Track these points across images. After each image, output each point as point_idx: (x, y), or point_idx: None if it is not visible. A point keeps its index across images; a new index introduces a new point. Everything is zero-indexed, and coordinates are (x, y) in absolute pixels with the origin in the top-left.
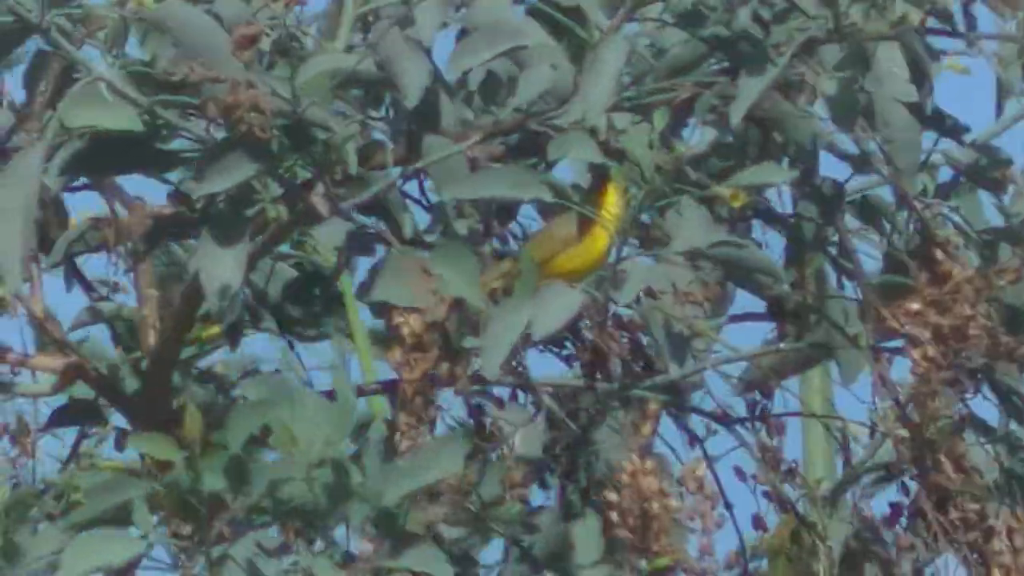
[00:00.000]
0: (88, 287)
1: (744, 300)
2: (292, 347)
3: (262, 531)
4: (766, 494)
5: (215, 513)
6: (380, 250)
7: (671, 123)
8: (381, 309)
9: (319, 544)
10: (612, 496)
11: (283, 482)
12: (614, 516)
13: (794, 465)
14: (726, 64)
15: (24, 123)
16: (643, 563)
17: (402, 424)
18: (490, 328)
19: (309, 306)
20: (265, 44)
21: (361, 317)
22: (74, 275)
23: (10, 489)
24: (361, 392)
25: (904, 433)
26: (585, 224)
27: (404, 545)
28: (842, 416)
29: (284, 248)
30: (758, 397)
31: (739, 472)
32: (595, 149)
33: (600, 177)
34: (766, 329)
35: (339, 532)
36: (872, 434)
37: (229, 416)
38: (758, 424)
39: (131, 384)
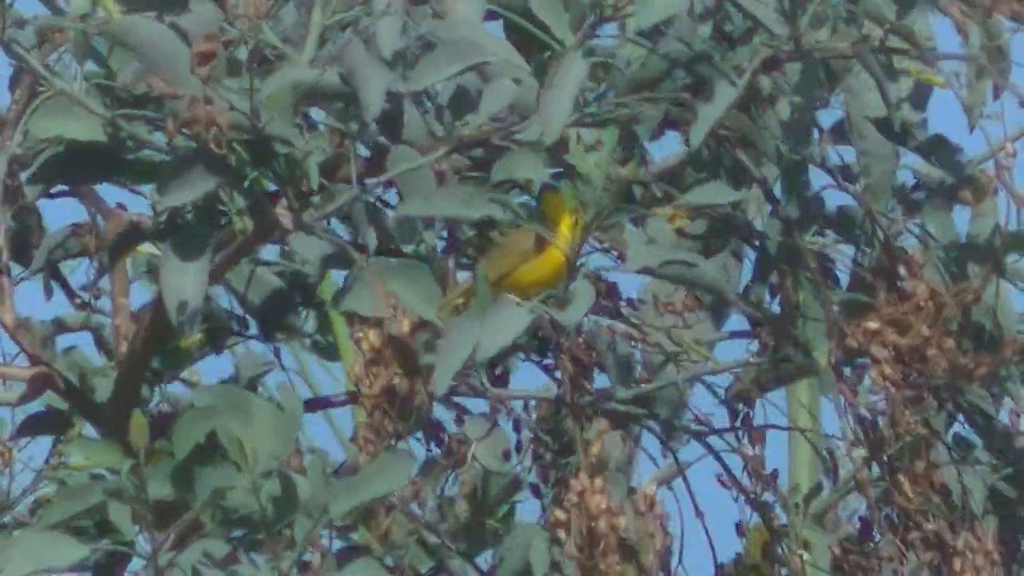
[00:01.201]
0: (71, 294)
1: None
2: (278, 353)
3: (210, 540)
4: (748, 502)
5: (169, 521)
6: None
7: (644, 138)
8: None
9: (264, 556)
10: (560, 514)
11: (228, 491)
12: (561, 535)
13: (773, 474)
14: (688, 80)
15: (3, 126)
16: None
17: (361, 438)
18: (441, 346)
19: (293, 314)
20: (242, 53)
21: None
22: (56, 281)
23: None
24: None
25: (863, 453)
26: (542, 238)
27: (349, 558)
28: (809, 430)
29: (272, 256)
30: (739, 406)
31: (721, 480)
32: (541, 169)
33: (553, 193)
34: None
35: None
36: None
37: (176, 423)
38: (740, 433)
39: (103, 394)
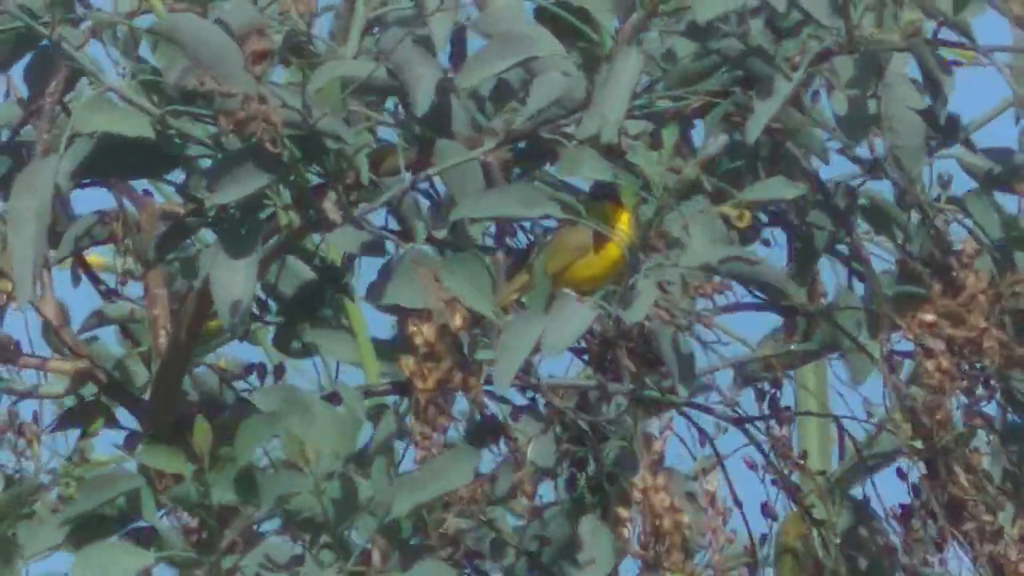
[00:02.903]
0: (96, 280)
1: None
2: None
3: (272, 543)
4: (775, 483)
5: (225, 523)
6: (389, 249)
7: (681, 127)
8: (395, 314)
9: (327, 556)
10: (624, 512)
11: (292, 496)
12: (625, 532)
13: (803, 457)
14: (739, 73)
15: (33, 118)
16: None
17: (416, 434)
18: (503, 341)
19: (322, 304)
20: (276, 40)
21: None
22: (82, 269)
23: (9, 484)
24: (369, 393)
25: (917, 444)
26: (599, 234)
27: (412, 558)
28: (836, 415)
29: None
30: (767, 387)
31: (749, 463)
32: (606, 168)
33: (610, 189)
34: (764, 318)
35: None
36: (878, 432)
37: (239, 428)
38: (767, 415)
39: (139, 384)
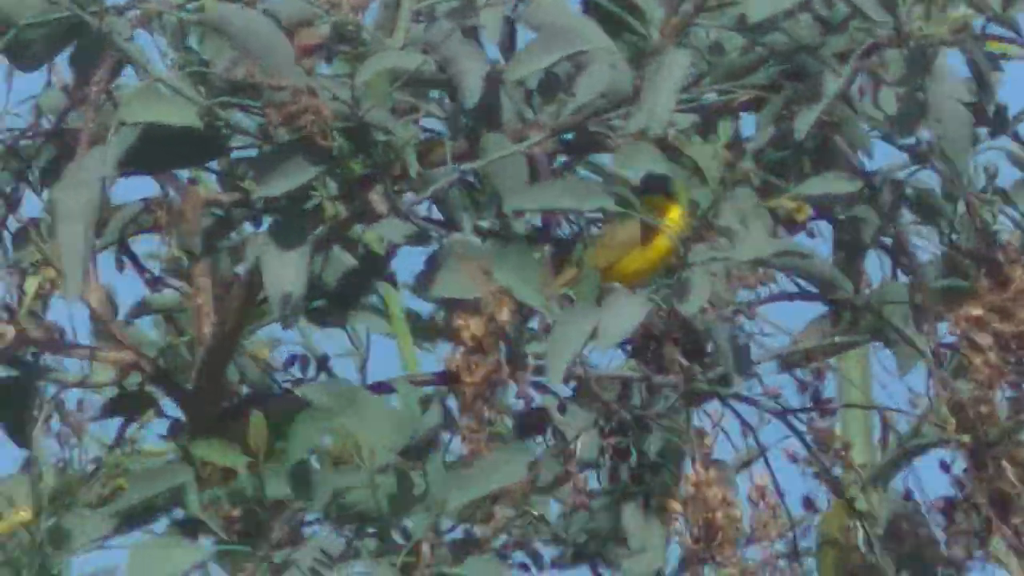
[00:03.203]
0: (140, 268)
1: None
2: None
3: (326, 536)
4: (816, 475)
5: (274, 517)
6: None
7: (767, 125)
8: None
9: (371, 547)
10: (676, 506)
11: (348, 491)
12: (678, 526)
13: (845, 448)
14: (786, 66)
15: (78, 106)
16: (709, 573)
17: (463, 428)
18: (555, 334)
19: (367, 294)
20: (323, 29)
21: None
22: (126, 255)
23: (58, 473)
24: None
25: (965, 438)
26: (647, 227)
27: (464, 552)
28: (879, 407)
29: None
30: (809, 378)
31: (791, 455)
32: (663, 161)
33: (659, 182)
34: (800, 307)
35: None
36: (920, 424)
37: (294, 423)
38: (810, 407)
39: (184, 374)
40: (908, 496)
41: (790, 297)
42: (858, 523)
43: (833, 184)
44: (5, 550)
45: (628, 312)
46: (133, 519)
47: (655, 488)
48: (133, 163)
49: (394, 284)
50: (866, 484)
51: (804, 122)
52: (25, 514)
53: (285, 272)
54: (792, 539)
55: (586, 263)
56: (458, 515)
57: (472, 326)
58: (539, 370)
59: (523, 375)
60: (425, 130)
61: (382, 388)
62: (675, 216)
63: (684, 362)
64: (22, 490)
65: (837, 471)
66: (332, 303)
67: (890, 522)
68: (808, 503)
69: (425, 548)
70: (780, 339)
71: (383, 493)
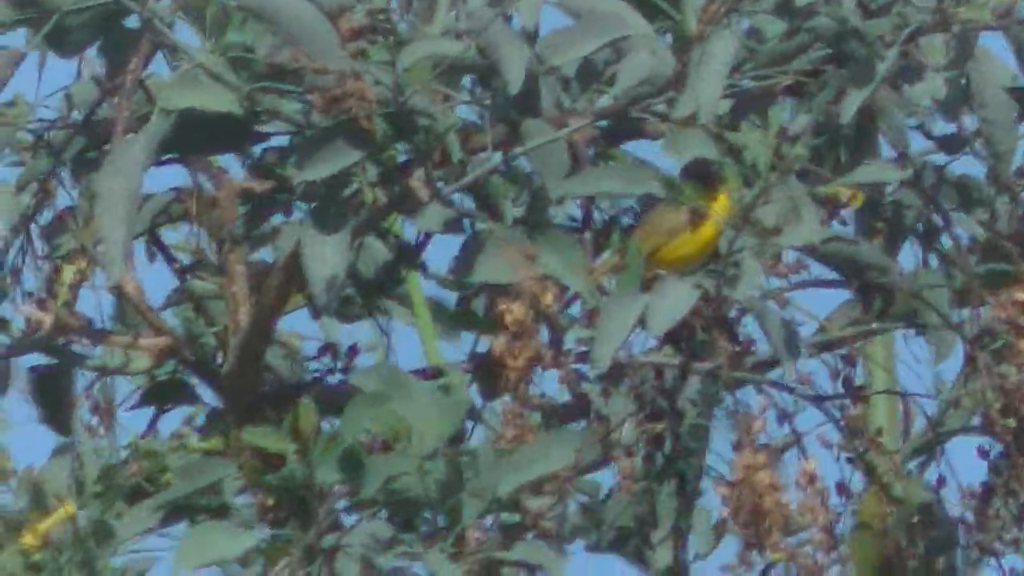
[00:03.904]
0: (170, 258)
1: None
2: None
3: (375, 522)
4: (850, 461)
5: (320, 504)
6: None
7: (819, 109)
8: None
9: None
10: (724, 491)
11: (398, 477)
12: (726, 511)
13: (878, 435)
14: (827, 51)
15: (111, 95)
16: (757, 558)
17: (507, 413)
18: (601, 321)
19: (398, 283)
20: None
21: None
22: (156, 246)
23: (97, 462)
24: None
25: (1010, 423)
26: (692, 213)
27: (514, 536)
28: (907, 393)
29: None
30: (840, 365)
31: (824, 441)
32: (713, 148)
33: (702, 169)
34: (825, 293)
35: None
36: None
37: (346, 408)
38: (843, 394)
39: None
40: (941, 482)
41: (818, 284)
42: (893, 510)
43: (884, 172)
44: (52, 547)
45: (677, 298)
46: (177, 511)
47: (690, 473)
48: (168, 149)
49: (425, 272)
50: (899, 470)
51: (850, 107)
52: (71, 508)
53: (326, 256)
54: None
55: (631, 249)
56: (507, 500)
57: (515, 310)
58: (580, 356)
59: (566, 360)
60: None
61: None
62: (721, 203)
63: (731, 347)
64: (62, 482)
65: (870, 457)
66: (363, 293)
67: (921, 508)
68: (842, 489)
69: (474, 533)
70: (808, 326)
71: (432, 479)
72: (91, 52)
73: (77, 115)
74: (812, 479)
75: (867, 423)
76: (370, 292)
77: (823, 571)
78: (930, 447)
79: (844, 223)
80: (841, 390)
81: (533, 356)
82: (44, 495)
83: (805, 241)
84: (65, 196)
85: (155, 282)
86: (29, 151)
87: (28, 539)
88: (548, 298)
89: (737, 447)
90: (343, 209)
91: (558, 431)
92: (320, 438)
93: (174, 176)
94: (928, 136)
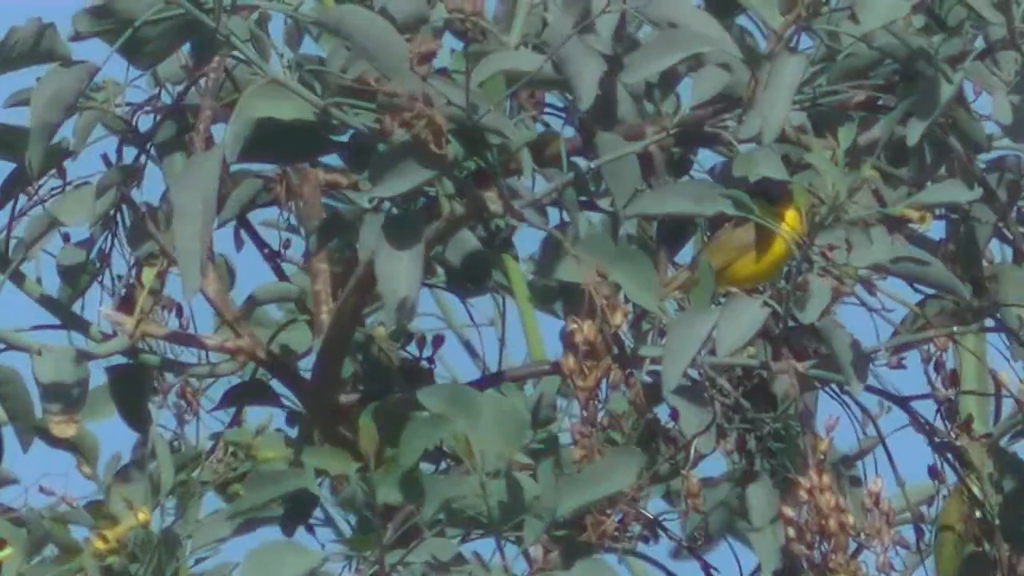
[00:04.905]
0: (259, 243)
1: None
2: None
3: (437, 540)
4: (939, 448)
5: (386, 520)
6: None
7: (888, 129)
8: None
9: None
10: (790, 512)
11: (458, 498)
12: (791, 532)
13: (969, 422)
14: (900, 69)
15: (196, 83)
16: None
17: (576, 432)
18: (671, 338)
19: (488, 273)
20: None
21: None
22: (246, 231)
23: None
24: (529, 374)
25: None
26: (761, 231)
27: (575, 556)
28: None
29: None
30: (931, 349)
31: (916, 423)
32: (781, 167)
33: (770, 187)
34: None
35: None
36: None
37: (405, 430)
38: (929, 394)
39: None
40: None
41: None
42: (977, 511)
43: (954, 192)
44: (125, 552)
45: (746, 317)
46: (254, 520)
47: (779, 468)
48: (249, 154)
49: (516, 258)
50: (985, 458)
51: (916, 131)
52: (144, 516)
53: (399, 272)
54: (918, 516)
55: (702, 266)
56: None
57: (585, 329)
58: (652, 373)
59: (635, 380)
60: (545, 125)
61: (498, 379)
62: (792, 221)
63: (799, 369)
64: (140, 489)
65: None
66: (450, 280)
67: (1008, 497)
68: (934, 473)
69: (536, 553)
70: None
71: (494, 499)
72: None
73: (166, 98)
74: (878, 500)
75: (957, 408)
76: (457, 279)
77: None
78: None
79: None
80: (927, 388)
81: (602, 376)
82: (115, 499)
83: (874, 261)
84: (148, 192)
85: (248, 269)
86: (118, 135)
87: (99, 544)
88: (618, 317)
89: (803, 468)
90: (418, 224)
91: (621, 450)
92: (381, 458)
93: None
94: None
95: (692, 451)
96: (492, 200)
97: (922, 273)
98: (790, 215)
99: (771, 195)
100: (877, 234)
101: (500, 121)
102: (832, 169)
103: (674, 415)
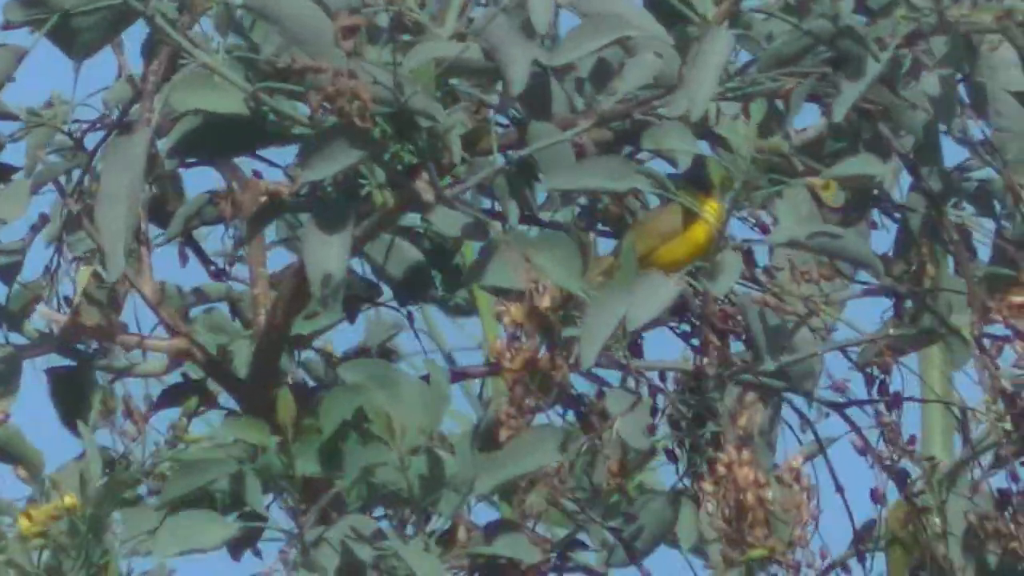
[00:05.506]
0: (206, 261)
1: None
2: (411, 318)
3: (357, 516)
4: (884, 468)
5: (312, 496)
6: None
7: (796, 111)
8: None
9: (410, 530)
10: (708, 487)
11: (376, 468)
12: (710, 507)
13: (911, 442)
14: (831, 54)
15: (142, 98)
16: (738, 554)
17: (502, 414)
18: (587, 319)
19: (432, 285)
20: (383, 19)
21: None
22: (191, 249)
23: (114, 467)
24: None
25: (1008, 427)
26: (687, 218)
27: (497, 532)
28: (956, 399)
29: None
30: (875, 372)
31: (857, 447)
32: (691, 139)
33: (697, 177)
34: (885, 305)
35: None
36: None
37: (323, 400)
38: (873, 399)
39: (241, 364)
40: (1006, 494)
41: (861, 295)
42: (923, 519)
43: (864, 166)
44: (49, 536)
45: (657, 295)
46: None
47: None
48: (187, 150)
49: (457, 277)
50: (933, 478)
51: (841, 106)
52: (70, 500)
53: (327, 254)
54: (855, 535)
55: (626, 250)
56: (491, 496)
57: (513, 311)
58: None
59: (562, 363)
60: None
61: (455, 376)
62: (714, 206)
63: (717, 342)
64: (73, 478)
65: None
66: (395, 293)
67: (971, 521)
68: (875, 495)
69: (461, 530)
70: (846, 334)
71: (414, 474)
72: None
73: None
74: (797, 475)
75: (899, 431)
76: (403, 293)
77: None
78: (968, 462)
79: (876, 227)
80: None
81: (529, 358)
82: (49, 488)
83: (789, 236)
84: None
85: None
86: (68, 152)
87: (24, 523)
88: (545, 300)
89: (720, 443)
90: (344, 210)
91: (541, 428)
92: (299, 429)
93: (209, 177)
94: (961, 142)
95: (615, 431)
96: (424, 189)
97: (837, 247)
98: (713, 201)
99: (699, 183)
100: (792, 211)
101: (428, 103)
102: (742, 142)
103: (599, 394)
